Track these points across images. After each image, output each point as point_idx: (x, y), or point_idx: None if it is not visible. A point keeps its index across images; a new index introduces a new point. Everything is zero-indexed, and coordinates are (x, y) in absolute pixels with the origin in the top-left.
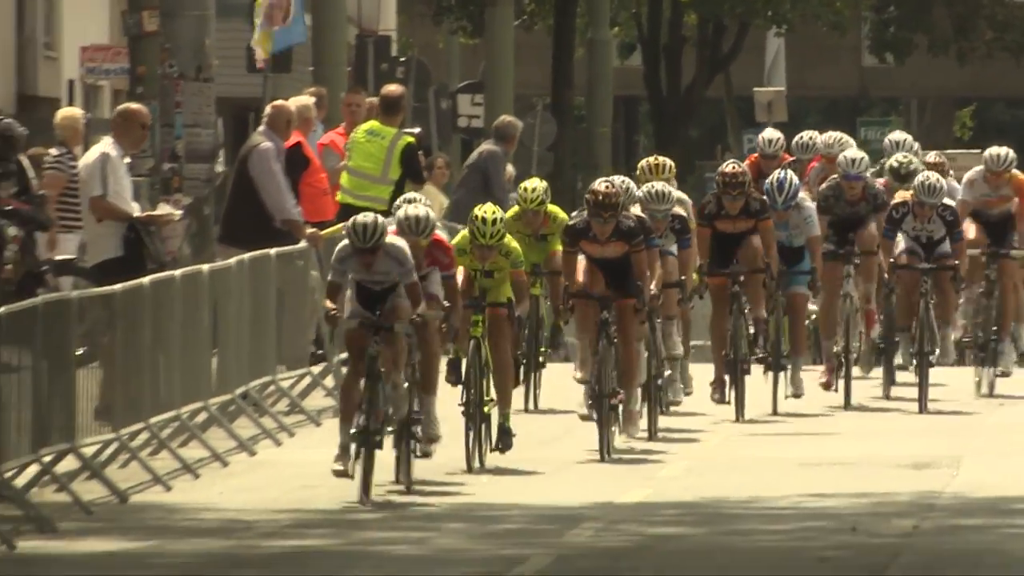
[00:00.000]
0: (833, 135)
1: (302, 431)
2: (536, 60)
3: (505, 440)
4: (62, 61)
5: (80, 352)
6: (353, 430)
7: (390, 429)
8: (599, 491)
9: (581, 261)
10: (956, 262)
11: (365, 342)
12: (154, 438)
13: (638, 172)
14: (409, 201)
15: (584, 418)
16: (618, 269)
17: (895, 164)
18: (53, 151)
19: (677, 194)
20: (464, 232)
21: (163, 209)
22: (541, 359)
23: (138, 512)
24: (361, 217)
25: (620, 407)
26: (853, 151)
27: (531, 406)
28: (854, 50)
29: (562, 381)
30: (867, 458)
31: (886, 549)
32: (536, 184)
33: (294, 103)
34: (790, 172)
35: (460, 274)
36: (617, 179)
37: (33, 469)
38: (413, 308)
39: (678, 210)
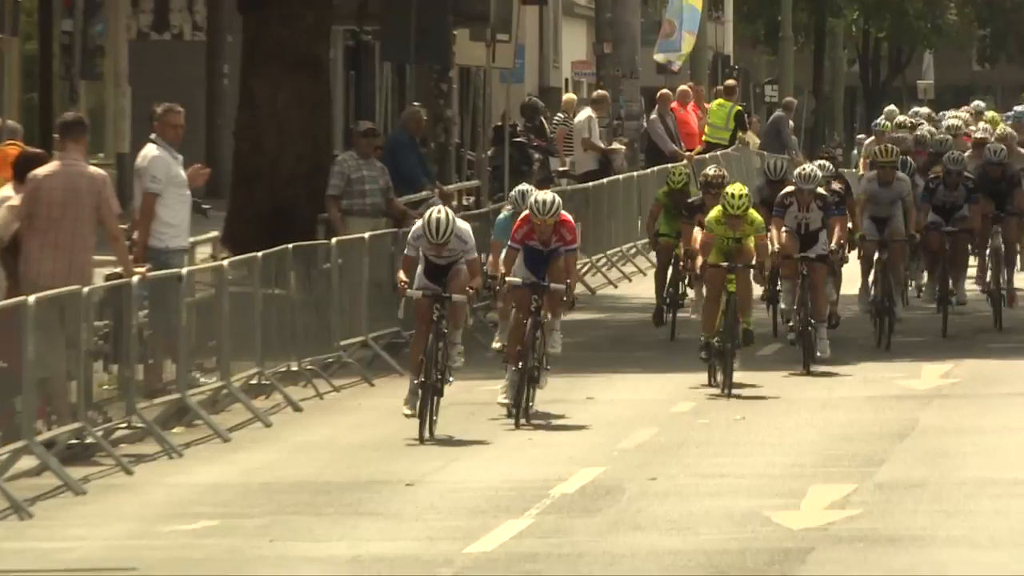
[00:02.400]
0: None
1: None
2: (804, 66)
3: (748, 337)
4: (562, 68)
5: None
6: (418, 380)
7: (450, 379)
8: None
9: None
10: (973, 227)
11: (430, 309)
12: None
13: (865, 152)
14: (539, 189)
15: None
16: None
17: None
18: (560, 115)
19: (901, 176)
20: (717, 207)
21: (614, 145)
22: None
23: None
24: (435, 214)
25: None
26: (993, 144)
27: None
28: (968, 60)
29: None
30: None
31: None
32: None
33: (678, 90)
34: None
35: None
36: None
37: None
38: (472, 278)
39: (836, 187)
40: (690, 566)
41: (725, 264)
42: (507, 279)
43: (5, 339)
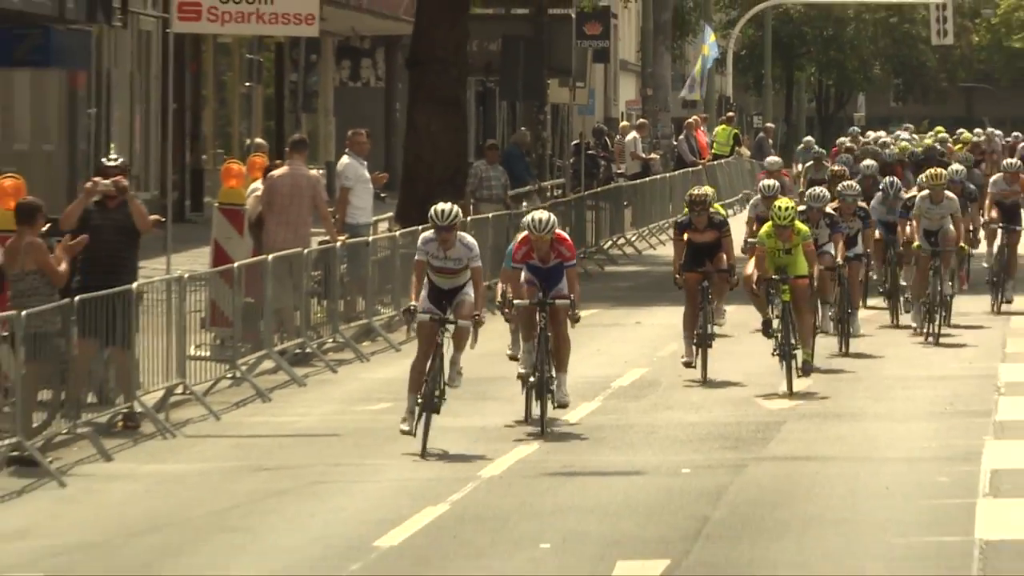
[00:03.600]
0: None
1: None
2: (779, 103)
3: (807, 368)
4: (619, 105)
5: (627, 202)
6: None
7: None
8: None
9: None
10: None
11: (434, 331)
12: None
13: (925, 178)
14: (536, 209)
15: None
16: (711, 250)
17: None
18: (618, 137)
19: (950, 195)
20: (768, 224)
21: (652, 155)
22: None
23: None
24: (440, 204)
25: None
26: (955, 165)
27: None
28: (888, 99)
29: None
30: None
31: None
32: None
33: (693, 118)
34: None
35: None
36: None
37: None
38: (476, 288)
39: (862, 204)
40: (703, 433)
41: (776, 276)
42: (515, 301)
43: (253, 283)
